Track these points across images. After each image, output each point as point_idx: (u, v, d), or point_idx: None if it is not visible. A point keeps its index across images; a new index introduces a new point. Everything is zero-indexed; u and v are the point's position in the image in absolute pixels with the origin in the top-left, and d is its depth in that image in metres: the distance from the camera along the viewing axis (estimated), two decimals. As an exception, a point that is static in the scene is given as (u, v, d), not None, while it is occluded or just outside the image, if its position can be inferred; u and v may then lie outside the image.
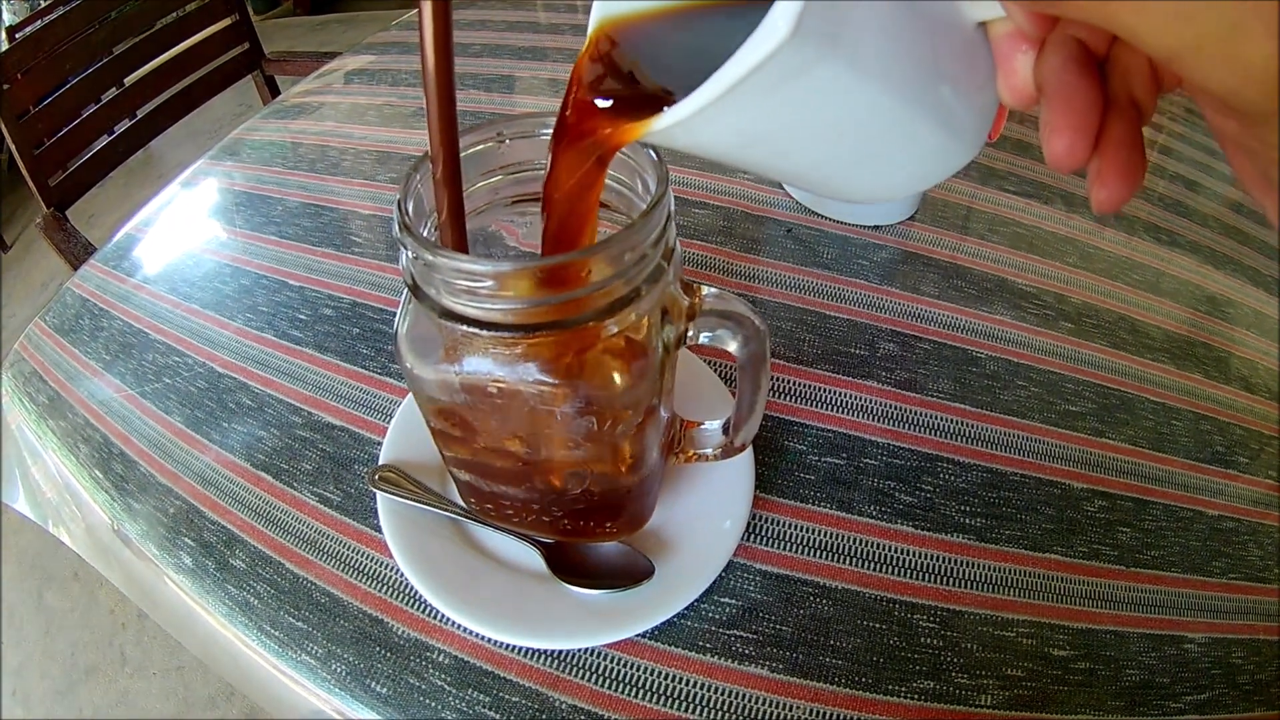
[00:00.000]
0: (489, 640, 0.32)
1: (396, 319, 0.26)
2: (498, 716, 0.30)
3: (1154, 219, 0.54)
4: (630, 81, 0.20)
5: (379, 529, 0.34)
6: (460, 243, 0.24)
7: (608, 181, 0.26)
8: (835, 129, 0.16)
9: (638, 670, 0.31)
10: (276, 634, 0.33)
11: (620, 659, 0.31)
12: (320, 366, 0.43)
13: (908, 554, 0.34)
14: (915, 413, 0.40)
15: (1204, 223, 0.54)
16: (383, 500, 0.34)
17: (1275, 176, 0.14)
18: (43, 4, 1.67)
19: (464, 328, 0.22)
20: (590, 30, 0.20)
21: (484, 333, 0.22)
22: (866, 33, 0.14)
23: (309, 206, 0.55)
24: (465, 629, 0.32)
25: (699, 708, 0.30)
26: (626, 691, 0.30)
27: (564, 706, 0.30)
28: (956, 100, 0.17)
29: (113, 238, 0.56)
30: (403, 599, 0.33)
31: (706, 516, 0.34)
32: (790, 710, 0.30)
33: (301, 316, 0.46)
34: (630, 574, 0.31)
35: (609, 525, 0.32)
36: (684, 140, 0.16)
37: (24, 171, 0.87)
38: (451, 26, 0.20)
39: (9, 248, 1.82)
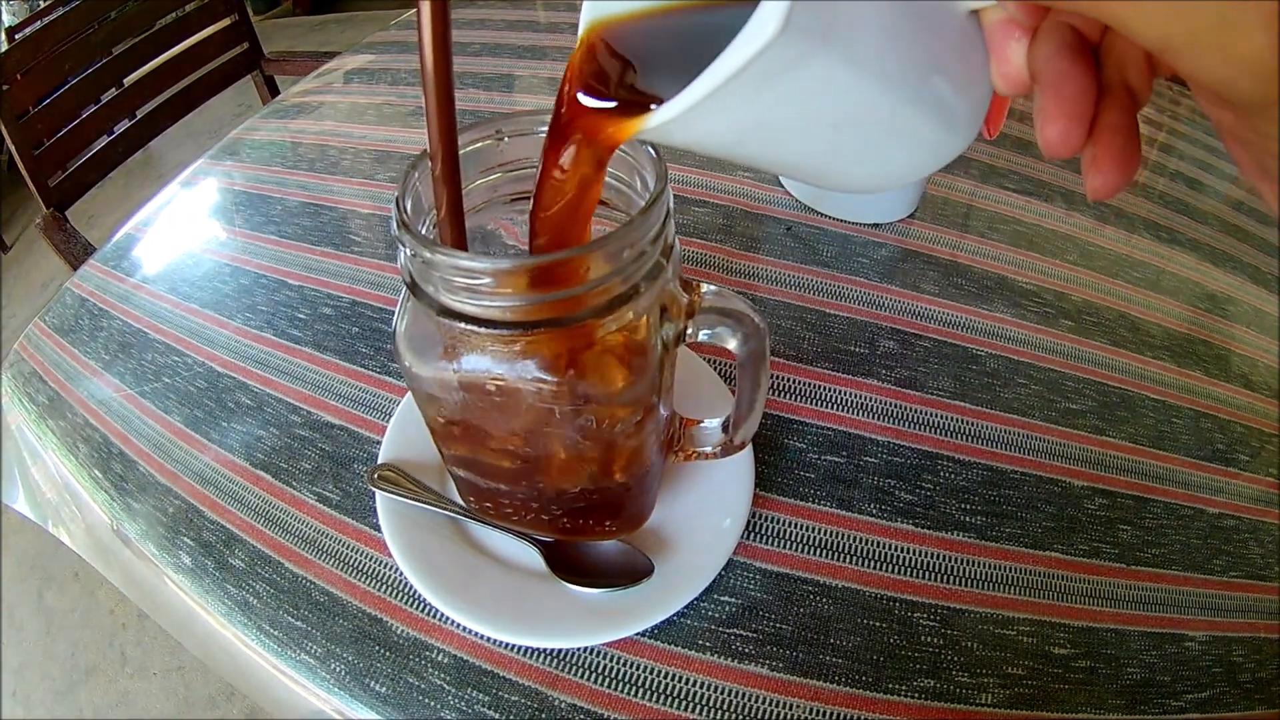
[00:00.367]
0: (488, 639, 0.32)
1: (395, 317, 0.26)
2: (497, 715, 0.30)
3: (1154, 216, 0.54)
4: (623, 80, 0.20)
5: (378, 528, 0.34)
6: (459, 240, 0.24)
7: (606, 179, 0.26)
8: (829, 122, 0.16)
9: (637, 669, 0.31)
10: (276, 633, 0.33)
11: (620, 658, 0.31)
12: (319, 365, 0.43)
13: (908, 552, 0.34)
14: (915, 411, 0.40)
15: (1204, 220, 0.54)
16: (382, 499, 0.34)
17: (1271, 167, 0.14)
18: (42, 4, 1.67)
19: (462, 325, 0.22)
20: (581, 30, 0.20)
21: (482, 330, 0.22)
22: (857, 26, 0.14)
23: (308, 206, 0.55)
24: (464, 628, 0.32)
25: (699, 707, 0.30)
26: (626, 690, 0.30)
27: (563, 705, 0.30)
28: (950, 90, 0.17)
29: (112, 238, 0.56)
30: (402, 598, 0.33)
31: (706, 515, 0.34)
32: (790, 709, 0.30)
33: (301, 316, 0.46)
34: (630, 573, 0.31)
35: (608, 524, 0.32)
36: (679, 136, 0.16)
37: (24, 172, 0.87)
38: (450, 24, 0.20)
39: (9, 248, 1.82)
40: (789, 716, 0.30)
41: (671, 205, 0.24)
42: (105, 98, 0.99)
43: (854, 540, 0.35)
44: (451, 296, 0.22)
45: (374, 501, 0.35)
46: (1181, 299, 0.48)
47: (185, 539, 0.36)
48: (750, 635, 0.32)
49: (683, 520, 0.34)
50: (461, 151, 0.23)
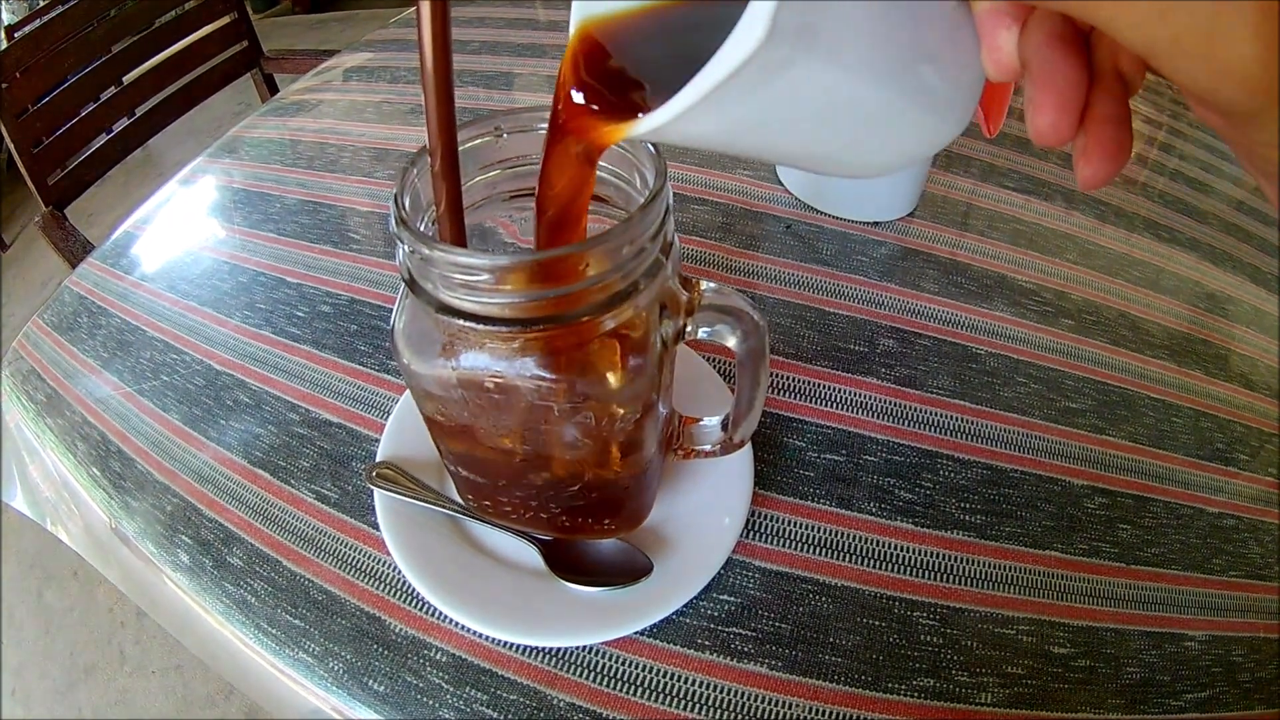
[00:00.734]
0: (487, 638, 0.32)
1: (393, 315, 0.26)
2: (496, 715, 0.30)
3: (1154, 216, 0.54)
4: (616, 80, 0.20)
5: (377, 526, 0.34)
6: (458, 236, 0.24)
7: (605, 176, 0.26)
8: (822, 117, 0.16)
9: (636, 668, 0.31)
10: (274, 632, 0.33)
11: (619, 657, 0.31)
12: (318, 363, 0.43)
13: (907, 551, 0.34)
14: (915, 409, 0.40)
15: (1204, 220, 0.54)
16: (380, 497, 0.34)
17: (1267, 170, 0.13)
18: (41, 3, 1.67)
19: (461, 322, 0.22)
20: (572, 30, 0.20)
21: (481, 327, 0.22)
22: (845, 23, 0.14)
23: (307, 204, 0.55)
24: (463, 627, 0.32)
25: (698, 706, 0.30)
26: (625, 689, 0.30)
27: (562, 704, 0.30)
28: (942, 80, 0.17)
29: (111, 236, 0.56)
30: (400, 597, 0.33)
31: (705, 513, 0.34)
32: (789, 708, 0.30)
33: (299, 313, 0.46)
34: (629, 571, 0.31)
35: (607, 522, 0.32)
36: (671, 136, 0.16)
37: (23, 170, 0.87)
38: (450, 21, 0.20)
39: (8, 246, 1.82)
40: (788, 716, 0.30)
41: (671, 202, 0.24)
42: (104, 96, 0.99)
43: (853, 539, 0.35)
44: (450, 293, 0.22)
45: (372, 500, 0.35)
46: (1181, 298, 0.48)
47: (183, 537, 0.36)
48: (749, 634, 0.32)
49: (682, 519, 0.34)
50: (461, 148, 0.22)
